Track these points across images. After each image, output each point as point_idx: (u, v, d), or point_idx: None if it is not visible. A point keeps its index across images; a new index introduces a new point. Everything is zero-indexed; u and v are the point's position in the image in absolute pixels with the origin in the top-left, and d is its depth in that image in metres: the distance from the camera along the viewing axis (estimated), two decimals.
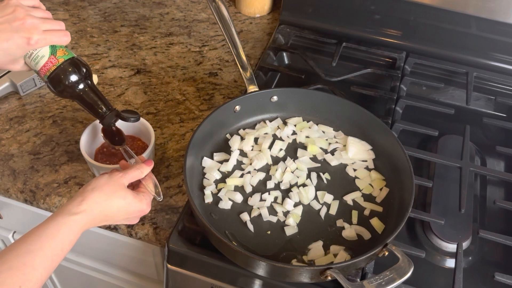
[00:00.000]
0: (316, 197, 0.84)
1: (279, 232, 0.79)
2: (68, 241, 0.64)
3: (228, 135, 0.91)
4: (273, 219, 0.80)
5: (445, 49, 1.12)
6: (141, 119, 0.89)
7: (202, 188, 0.83)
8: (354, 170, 0.88)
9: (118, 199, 0.69)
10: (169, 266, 0.81)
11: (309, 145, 0.90)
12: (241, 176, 0.85)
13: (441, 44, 1.12)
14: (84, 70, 0.76)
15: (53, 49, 0.74)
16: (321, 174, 0.86)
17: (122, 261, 1.03)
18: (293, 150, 0.91)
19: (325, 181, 0.86)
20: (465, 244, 0.83)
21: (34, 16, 0.72)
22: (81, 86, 0.76)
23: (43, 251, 0.61)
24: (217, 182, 0.85)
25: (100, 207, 0.67)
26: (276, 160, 0.88)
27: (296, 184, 0.85)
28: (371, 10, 1.14)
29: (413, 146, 0.95)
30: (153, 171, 0.90)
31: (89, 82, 0.77)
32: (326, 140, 0.92)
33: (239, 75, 1.10)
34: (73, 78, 0.75)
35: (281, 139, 0.91)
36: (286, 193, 0.84)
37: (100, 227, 0.88)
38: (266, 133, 0.92)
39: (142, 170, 0.74)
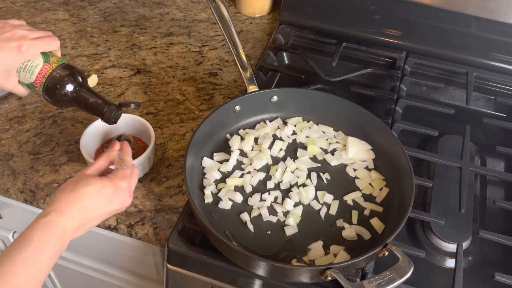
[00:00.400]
0: (316, 197, 0.84)
1: (279, 232, 0.79)
2: (47, 243, 0.63)
3: (228, 135, 0.91)
4: (273, 219, 0.80)
5: (445, 49, 1.12)
6: (141, 119, 0.89)
7: (202, 188, 0.83)
8: (354, 170, 0.88)
9: (83, 188, 0.68)
10: (169, 266, 0.81)
11: (309, 145, 0.90)
12: (241, 176, 0.85)
13: (441, 44, 1.12)
14: (78, 72, 0.78)
15: (46, 57, 0.77)
16: (321, 174, 0.86)
17: (122, 261, 1.03)
18: (293, 150, 0.91)
19: (325, 181, 0.86)
20: (465, 244, 0.83)
21: (22, 28, 0.76)
22: (76, 87, 0.77)
23: (21, 257, 0.60)
24: (217, 182, 0.85)
25: (67, 203, 0.66)
26: (276, 160, 0.88)
27: (296, 184, 0.85)
28: (371, 10, 1.14)
29: (413, 146, 0.95)
30: (153, 171, 0.91)
31: (84, 82, 0.78)
32: (326, 140, 0.92)
33: (239, 75, 1.10)
34: (68, 79, 0.76)
35: (281, 139, 0.92)
36: (286, 193, 0.84)
37: (100, 226, 0.87)
38: (266, 133, 0.92)
39: (109, 154, 0.74)
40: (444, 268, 0.83)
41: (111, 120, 0.79)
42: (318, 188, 0.85)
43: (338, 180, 0.87)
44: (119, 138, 0.87)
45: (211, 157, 0.88)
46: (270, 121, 0.94)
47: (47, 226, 0.64)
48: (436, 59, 1.11)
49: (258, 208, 0.81)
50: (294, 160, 0.88)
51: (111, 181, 0.70)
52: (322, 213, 0.81)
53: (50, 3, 1.28)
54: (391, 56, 1.13)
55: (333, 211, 0.82)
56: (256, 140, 0.91)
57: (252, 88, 0.91)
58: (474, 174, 0.94)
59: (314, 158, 0.89)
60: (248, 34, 1.23)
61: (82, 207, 0.67)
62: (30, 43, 0.75)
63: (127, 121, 0.89)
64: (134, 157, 0.82)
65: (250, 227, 0.79)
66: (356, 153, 0.89)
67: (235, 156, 0.87)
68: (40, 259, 0.62)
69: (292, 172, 0.86)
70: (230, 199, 0.82)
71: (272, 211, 0.81)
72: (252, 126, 0.94)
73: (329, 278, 0.68)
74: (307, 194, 0.83)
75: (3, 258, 0.61)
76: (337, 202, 0.83)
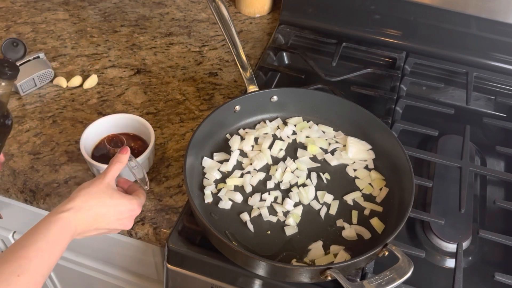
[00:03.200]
0: (316, 197, 0.84)
1: (279, 232, 0.79)
2: (61, 237, 0.64)
3: (228, 135, 0.91)
4: (273, 219, 0.80)
5: (445, 49, 1.12)
6: (141, 119, 0.89)
7: (202, 188, 0.83)
8: (354, 170, 0.88)
9: (105, 198, 0.70)
10: (169, 266, 0.81)
11: (309, 145, 0.90)
12: (241, 176, 0.85)
13: (441, 44, 1.12)
14: None
15: None
16: (321, 174, 0.86)
17: (122, 261, 1.03)
18: (293, 150, 0.90)
19: (325, 181, 0.86)
20: (465, 244, 0.83)
21: None
22: None
23: (35, 245, 0.62)
24: (217, 182, 0.85)
25: (87, 206, 0.68)
26: (276, 160, 0.88)
27: (296, 184, 0.85)
28: (371, 10, 1.14)
29: (413, 146, 0.95)
30: (153, 171, 0.91)
31: None
32: (326, 140, 0.92)
33: (239, 75, 1.10)
34: None
35: (281, 139, 0.91)
36: (286, 193, 0.84)
37: None
38: (266, 133, 0.92)
39: (120, 159, 0.74)
40: (444, 268, 0.83)
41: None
42: (318, 188, 0.85)
43: (338, 180, 0.87)
44: (112, 140, 0.87)
45: (211, 157, 0.88)
46: (270, 121, 0.94)
47: (64, 222, 0.65)
48: (436, 59, 1.11)
49: (258, 208, 0.81)
50: (294, 160, 0.88)
51: (130, 202, 0.72)
52: (322, 213, 0.81)
53: (50, 3, 1.28)
54: (391, 56, 1.13)
55: (333, 211, 0.82)
56: (256, 140, 0.91)
57: (252, 88, 0.91)
58: (474, 174, 0.94)
59: (314, 158, 0.89)
60: (248, 34, 1.23)
61: (97, 214, 0.69)
62: None
63: (127, 121, 0.89)
64: (134, 157, 0.82)
65: (250, 227, 0.79)
66: (356, 153, 0.89)
67: (235, 156, 0.87)
68: (54, 252, 0.63)
69: (292, 172, 0.86)
70: (230, 199, 0.82)
71: (272, 211, 0.81)
72: (252, 126, 0.94)
73: (329, 278, 0.68)
74: (307, 194, 0.83)
75: (17, 245, 0.62)
76: (337, 202, 0.83)
